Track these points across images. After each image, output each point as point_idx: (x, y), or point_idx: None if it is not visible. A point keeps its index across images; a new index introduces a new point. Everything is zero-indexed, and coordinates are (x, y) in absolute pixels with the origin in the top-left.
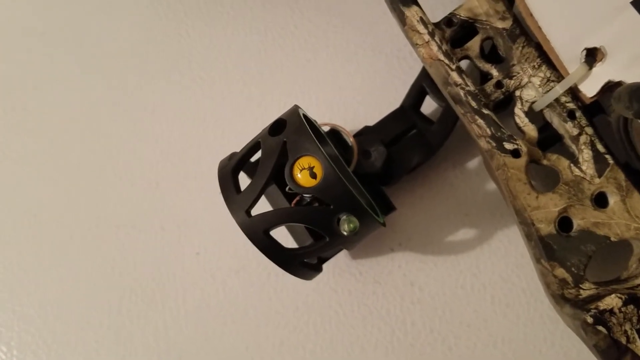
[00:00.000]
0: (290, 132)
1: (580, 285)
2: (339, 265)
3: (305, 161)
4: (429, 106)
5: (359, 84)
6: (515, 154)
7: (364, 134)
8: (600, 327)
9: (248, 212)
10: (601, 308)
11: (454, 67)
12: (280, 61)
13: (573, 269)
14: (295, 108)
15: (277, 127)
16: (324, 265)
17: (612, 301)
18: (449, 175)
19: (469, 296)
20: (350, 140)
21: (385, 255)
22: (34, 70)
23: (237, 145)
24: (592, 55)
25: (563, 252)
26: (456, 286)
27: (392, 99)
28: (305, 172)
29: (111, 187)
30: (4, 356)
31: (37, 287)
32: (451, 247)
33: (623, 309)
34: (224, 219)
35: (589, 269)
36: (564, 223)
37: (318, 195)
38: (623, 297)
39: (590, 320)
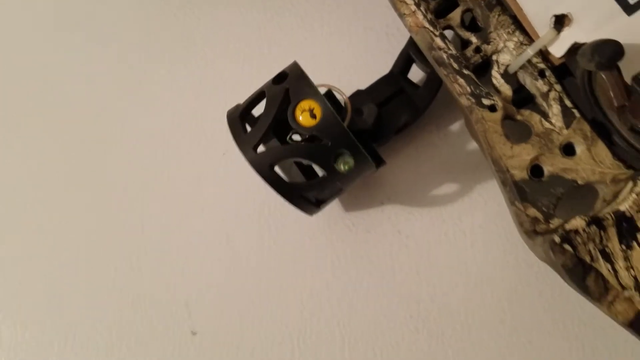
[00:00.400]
0: (292, 80)
1: (550, 221)
2: (333, 217)
3: (306, 104)
4: (415, 75)
5: (351, 58)
6: (492, 108)
7: (357, 96)
8: (566, 246)
9: (255, 149)
10: (567, 228)
11: (437, 33)
12: (278, 37)
13: (544, 209)
14: (295, 62)
15: (280, 77)
16: (320, 218)
17: (576, 222)
18: (433, 137)
19: (451, 242)
20: (344, 98)
21: (375, 207)
22: (45, 45)
23: None
24: (560, 21)
25: (535, 194)
26: (439, 234)
27: (381, 71)
28: (306, 113)
29: (121, 150)
30: (18, 307)
31: (50, 241)
32: (435, 200)
33: (587, 229)
34: (227, 176)
35: (559, 210)
36: (536, 169)
37: (318, 133)
38: (587, 218)
39: (557, 239)
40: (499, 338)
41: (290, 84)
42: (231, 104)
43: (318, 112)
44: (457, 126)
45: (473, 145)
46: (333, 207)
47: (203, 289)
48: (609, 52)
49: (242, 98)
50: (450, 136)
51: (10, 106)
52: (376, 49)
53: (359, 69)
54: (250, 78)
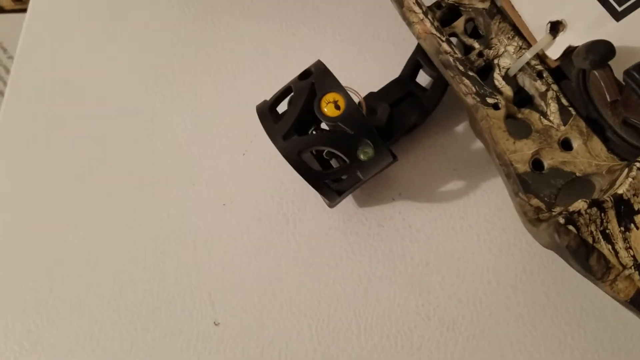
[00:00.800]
0: (317, 75)
1: (552, 210)
2: (347, 212)
3: (330, 96)
4: (423, 81)
5: (362, 65)
6: (496, 106)
7: (369, 97)
8: (570, 227)
9: (284, 137)
10: (570, 210)
11: (444, 39)
12: (294, 46)
13: (546, 199)
14: (319, 60)
15: (305, 74)
16: (335, 213)
17: (578, 204)
18: (439, 138)
19: (458, 235)
20: (359, 98)
21: (387, 203)
22: (85, 51)
23: (252, 128)
24: (555, 27)
25: (537, 186)
26: (447, 227)
27: (389, 76)
28: (331, 105)
29: (148, 150)
30: (49, 291)
31: (78, 234)
32: (443, 195)
33: (588, 211)
34: (247, 174)
35: (560, 200)
36: (537, 163)
37: (342, 122)
38: (588, 201)
39: (562, 220)
40: (505, 324)
41: (315, 79)
42: (250, 108)
43: (342, 103)
44: (461, 128)
45: (477, 145)
46: (348, 204)
47: (225, 281)
48: (602, 50)
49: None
50: (455, 137)
51: (53, 108)
52: (384, 56)
53: (370, 74)
54: (268, 84)
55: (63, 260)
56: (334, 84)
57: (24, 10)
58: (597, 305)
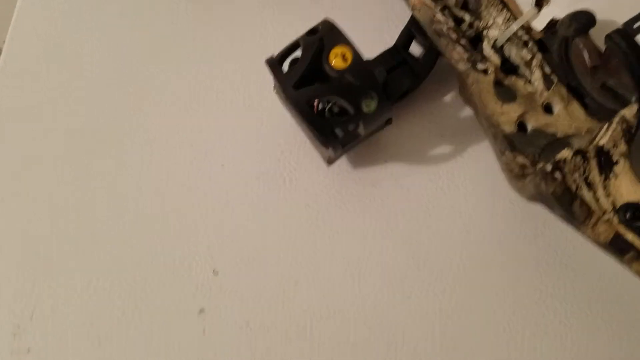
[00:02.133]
0: (325, 31)
1: (536, 166)
2: (342, 173)
3: (338, 50)
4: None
5: (356, 39)
6: (485, 72)
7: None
8: (557, 174)
9: (294, 87)
10: (557, 159)
11: (438, 9)
12: (294, 23)
13: (530, 157)
14: (326, 18)
15: (313, 31)
16: (331, 174)
17: (564, 153)
18: (429, 106)
19: (446, 194)
20: None
21: (380, 165)
22: (76, 54)
23: (249, 91)
24: (540, 2)
25: (522, 145)
26: (436, 187)
27: (383, 48)
28: (339, 57)
29: (146, 113)
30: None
31: (86, 192)
32: (432, 158)
33: (573, 159)
34: (244, 137)
35: (543, 158)
36: (522, 125)
37: (349, 73)
38: (573, 149)
39: (549, 167)
40: (489, 274)
41: (324, 34)
42: (247, 73)
43: (349, 56)
44: (449, 98)
45: (463, 113)
46: (342, 166)
47: (224, 235)
48: (585, 19)
49: (253, 81)
50: (443, 106)
51: (48, 92)
52: (377, 30)
53: (364, 45)
54: (261, 71)
55: (67, 209)
56: (341, 38)
57: None
58: (575, 259)
